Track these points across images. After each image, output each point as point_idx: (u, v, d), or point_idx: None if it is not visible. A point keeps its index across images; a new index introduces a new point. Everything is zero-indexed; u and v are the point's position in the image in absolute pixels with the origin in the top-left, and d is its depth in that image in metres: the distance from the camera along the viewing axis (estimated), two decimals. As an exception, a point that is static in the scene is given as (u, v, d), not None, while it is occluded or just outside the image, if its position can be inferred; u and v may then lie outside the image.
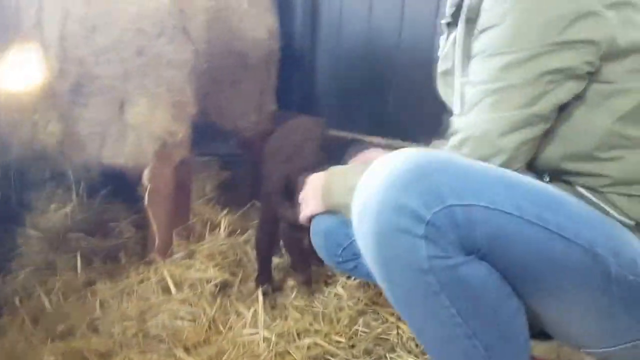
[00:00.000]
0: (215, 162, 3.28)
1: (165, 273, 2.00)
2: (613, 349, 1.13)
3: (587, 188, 1.16)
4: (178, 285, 1.97)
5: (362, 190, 1.06)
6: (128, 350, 1.67)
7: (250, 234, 2.41)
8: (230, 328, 1.78)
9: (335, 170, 1.42)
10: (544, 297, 1.09)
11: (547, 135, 1.16)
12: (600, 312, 1.08)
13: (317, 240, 1.57)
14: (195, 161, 2.62)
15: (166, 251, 2.17)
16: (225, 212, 2.57)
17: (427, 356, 1.65)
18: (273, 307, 1.94)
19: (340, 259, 1.53)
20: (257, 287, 2.00)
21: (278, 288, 2.05)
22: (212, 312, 1.83)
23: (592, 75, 1.11)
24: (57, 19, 1.78)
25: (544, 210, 1.02)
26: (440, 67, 1.40)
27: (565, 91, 1.11)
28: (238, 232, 2.42)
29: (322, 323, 1.83)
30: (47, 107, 1.83)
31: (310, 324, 1.83)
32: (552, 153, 1.18)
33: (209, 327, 1.78)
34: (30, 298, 1.95)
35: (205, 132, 2.64)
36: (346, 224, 1.28)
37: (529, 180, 1.09)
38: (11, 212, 2.52)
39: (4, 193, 1.64)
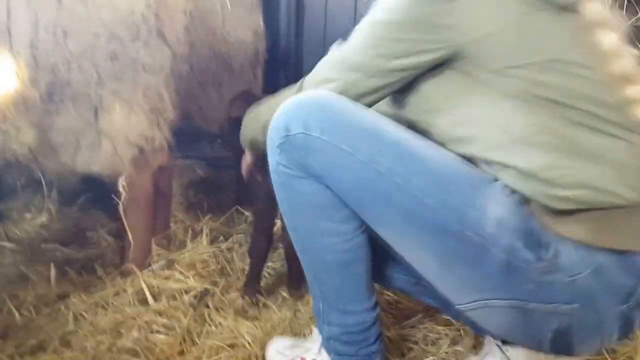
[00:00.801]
0: (198, 165, 3.26)
1: (143, 284, 1.95)
2: (464, 306, 1.28)
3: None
4: (156, 297, 1.93)
5: None
6: (102, 365, 1.62)
7: (233, 240, 2.38)
8: (207, 338, 1.74)
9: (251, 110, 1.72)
10: (382, 230, 1.34)
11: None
12: (442, 262, 1.28)
13: None
14: (176, 166, 2.58)
15: (144, 261, 2.12)
16: (207, 218, 2.54)
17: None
18: (255, 318, 1.89)
19: None
20: (242, 296, 1.97)
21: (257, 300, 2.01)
22: (188, 322, 1.79)
23: None
24: (27, 26, 1.75)
25: (381, 155, 1.27)
26: None
27: None
28: (221, 239, 2.39)
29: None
30: (18, 116, 1.79)
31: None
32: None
33: (184, 339, 1.73)
34: (1, 312, 1.89)
35: (188, 135, 2.62)
36: None
37: (394, 130, 1.31)
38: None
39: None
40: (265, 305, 1.97)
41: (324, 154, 1.30)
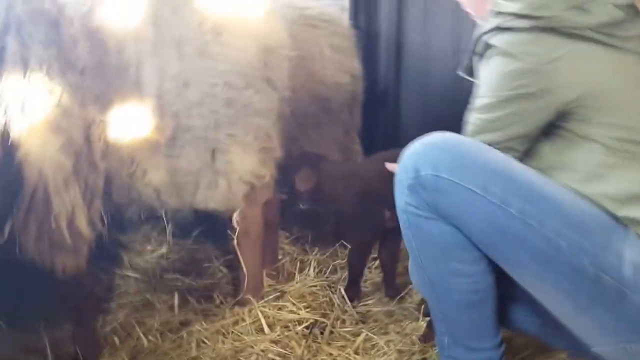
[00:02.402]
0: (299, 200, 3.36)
1: (259, 314, 2.06)
2: (602, 349, 1.28)
3: None
4: (271, 326, 2.02)
5: None
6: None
7: (339, 273, 2.47)
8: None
9: None
10: (514, 272, 1.35)
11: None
12: (578, 305, 1.27)
13: (414, 275, 1.62)
14: (280, 201, 2.70)
15: (258, 292, 2.23)
16: (315, 251, 2.64)
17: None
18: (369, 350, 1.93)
19: None
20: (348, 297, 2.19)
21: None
22: (302, 352, 1.86)
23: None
24: (154, 77, 1.90)
25: (513, 196, 1.27)
26: None
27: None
28: (328, 271, 2.48)
29: None
30: (145, 159, 1.93)
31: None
32: None
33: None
34: (129, 337, 2.04)
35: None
36: None
37: (523, 172, 1.33)
38: (109, 253, 2.69)
39: (101, 235, 1.75)
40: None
41: (454, 196, 1.32)
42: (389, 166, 1.86)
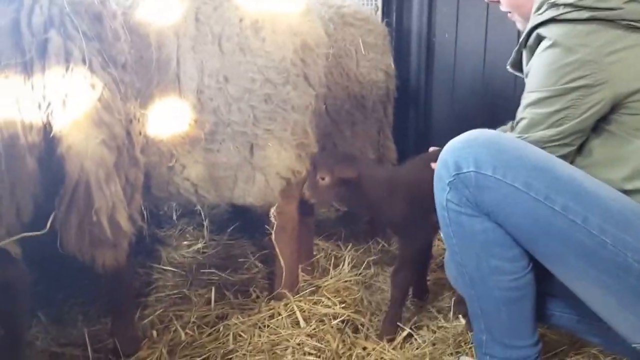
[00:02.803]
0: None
1: (295, 308, 2.05)
2: None
3: None
4: (306, 320, 2.01)
5: None
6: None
7: (372, 269, 2.44)
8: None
9: None
10: (556, 268, 1.34)
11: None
12: (622, 301, 1.25)
13: (451, 271, 1.66)
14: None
15: (294, 286, 2.22)
16: (349, 247, 2.61)
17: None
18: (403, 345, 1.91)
19: None
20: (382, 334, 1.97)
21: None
22: (337, 346, 1.84)
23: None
24: (194, 73, 1.89)
25: (556, 193, 1.26)
26: None
27: None
28: (362, 267, 2.45)
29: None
30: (184, 153, 1.93)
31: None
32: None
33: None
34: (167, 331, 2.05)
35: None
36: None
37: (566, 169, 1.31)
38: (146, 248, 2.70)
39: (140, 231, 1.75)
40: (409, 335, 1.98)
41: (497, 192, 1.31)
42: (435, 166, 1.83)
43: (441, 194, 1.40)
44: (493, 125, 2.19)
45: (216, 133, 1.95)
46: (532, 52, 1.45)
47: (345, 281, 2.30)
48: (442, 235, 1.52)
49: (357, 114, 2.59)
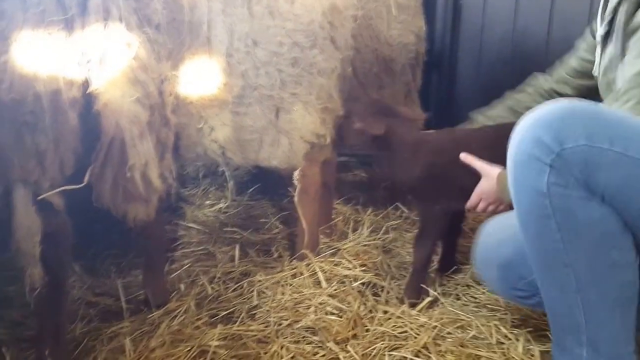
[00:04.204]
0: (352, 162, 3.35)
1: (317, 268, 2.07)
2: None
3: None
4: (328, 281, 2.03)
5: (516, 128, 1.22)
6: (283, 339, 1.74)
7: (392, 236, 2.45)
8: (378, 325, 1.80)
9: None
10: None
11: None
12: None
13: (489, 272, 1.55)
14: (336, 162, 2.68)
15: (314, 247, 2.24)
16: (368, 212, 2.62)
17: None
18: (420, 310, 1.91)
19: (522, 293, 1.48)
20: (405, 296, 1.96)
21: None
22: (358, 308, 1.86)
23: None
24: (224, 36, 1.88)
25: None
26: (602, 80, 1.40)
27: None
28: (381, 231, 2.46)
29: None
30: (212, 116, 1.92)
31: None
32: None
33: (355, 323, 1.79)
34: (194, 285, 2.09)
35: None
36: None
37: None
38: (172, 207, 2.73)
39: (169, 189, 1.76)
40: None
41: (616, 169, 1.10)
42: (467, 159, 1.78)
43: (539, 179, 1.14)
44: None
45: (243, 96, 1.94)
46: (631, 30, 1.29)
47: (365, 245, 2.32)
48: (532, 234, 1.22)
49: (385, 77, 2.55)
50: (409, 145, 1.96)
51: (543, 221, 1.17)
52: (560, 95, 1.95)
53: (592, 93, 1.80)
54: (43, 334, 1.62)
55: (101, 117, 1.50)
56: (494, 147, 1.62)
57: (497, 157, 1.61)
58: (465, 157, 1.79)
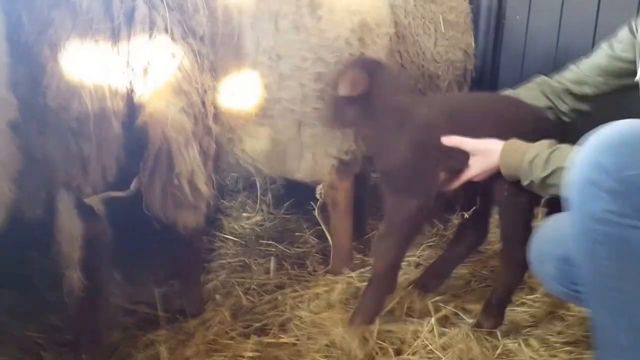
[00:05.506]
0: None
1: (344, 285, 2.03)
2: None
3: None
4: (356, 298, 1.95)
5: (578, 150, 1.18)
6: (314, 353, 1.69)
7: (429, 253, 2.37)
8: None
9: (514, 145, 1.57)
10: None
11: None
12: None
13: (547, 266, 1.47)
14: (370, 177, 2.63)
15: (347, 263, 2.19)
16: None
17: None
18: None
19: (582, 288, 1.37)
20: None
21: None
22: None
23: None
24: (251, 48, 1.84)
25: None
26: None
27: None
28: (420, 248, 2.40)
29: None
30: (240, 126, 1.90)
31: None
32: None
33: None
34: (229, 295, 2.05)
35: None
36: None
37: None
38: (210, 218, 2.70)
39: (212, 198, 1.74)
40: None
41: None
42: (453, 140, 1.63)
43: (593, 204, 1.11)
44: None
45: (266, 109, 1.91)
46: None
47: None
48: (583, 254, 1.19)
49: (430, 93, 2.49)
50: (394, 113, 1.66)
51: (595, 246, 1.14)
52: (575, 95, 1.88)
53: (613, 92, 1.82)
54: (81, 339, 1.61)
55: (147, 126, 1.50)
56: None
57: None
58: (450, 139, 1.64)
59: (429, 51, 2.40)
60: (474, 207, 1.80)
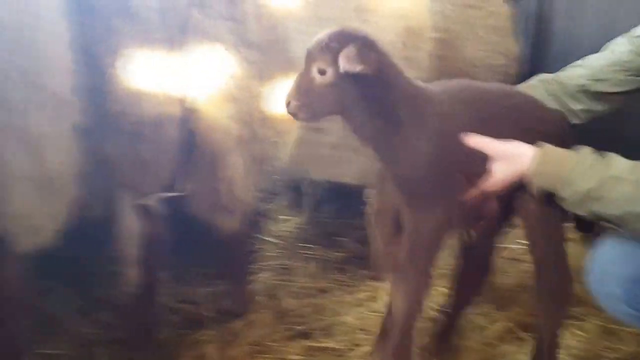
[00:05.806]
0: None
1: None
2: None
3: None
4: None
5: None
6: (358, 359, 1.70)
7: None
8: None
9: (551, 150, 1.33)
10: None
11: None
12: None
13: (610, 287, 1.36)
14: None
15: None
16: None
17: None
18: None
19: None
20: None
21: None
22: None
23: None
24: (296, 55, 1.85)
25: None
26: None
27: None
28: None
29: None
30: (287, 131, 1.92)
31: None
32: None
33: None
34: (273, 298, 2.07)
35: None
36: None
37: None
38: (252, 220, 2.73)
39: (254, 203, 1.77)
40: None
41: None
42: (475, 142, 1.35)
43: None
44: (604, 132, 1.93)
45: None
46: None
47: (444, 270, 2.22)
48: None
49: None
50: (409, 101, 1.30)
51: None
52: (590, 94, 1.71)
53: (632, 91, 1.71)
54: (133, 336, 1.64)
55: (197, 132, 1.53)
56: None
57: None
58: (474, 139, 1.35)
59: (467, 56, 2.38)
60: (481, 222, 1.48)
